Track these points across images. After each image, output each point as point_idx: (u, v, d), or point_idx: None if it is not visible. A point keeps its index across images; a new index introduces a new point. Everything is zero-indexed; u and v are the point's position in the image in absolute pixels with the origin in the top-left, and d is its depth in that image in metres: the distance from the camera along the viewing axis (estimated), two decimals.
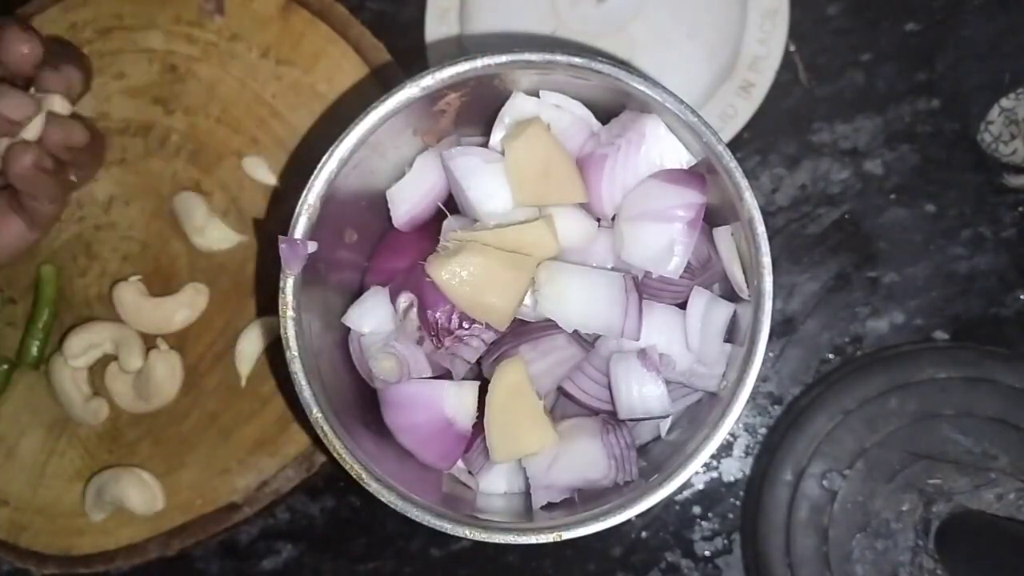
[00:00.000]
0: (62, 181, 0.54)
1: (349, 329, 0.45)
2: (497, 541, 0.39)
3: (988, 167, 0.56)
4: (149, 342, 0.56)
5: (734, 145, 0.56)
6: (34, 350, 0.57)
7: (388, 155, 0.45)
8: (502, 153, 0.43)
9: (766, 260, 0.39)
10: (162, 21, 0.59)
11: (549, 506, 0.43)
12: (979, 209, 0.56)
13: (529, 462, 0.43)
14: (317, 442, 0.54)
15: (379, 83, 0.56)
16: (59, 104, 0.52)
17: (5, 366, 0.57)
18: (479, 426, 0.43)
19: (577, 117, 0.44)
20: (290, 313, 0.40)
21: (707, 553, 0.56)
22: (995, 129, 0.55)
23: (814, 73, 0.58)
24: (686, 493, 0.56)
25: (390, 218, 0.46)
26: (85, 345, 0.56)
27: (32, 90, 0.52)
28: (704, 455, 0.39)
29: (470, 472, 0.45)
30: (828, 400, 0.53)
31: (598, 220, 0.44)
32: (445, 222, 0.44)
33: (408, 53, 0.58)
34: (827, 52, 0.58)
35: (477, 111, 0.44)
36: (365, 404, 0.45)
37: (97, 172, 0.58)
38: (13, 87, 0.50)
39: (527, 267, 0.41)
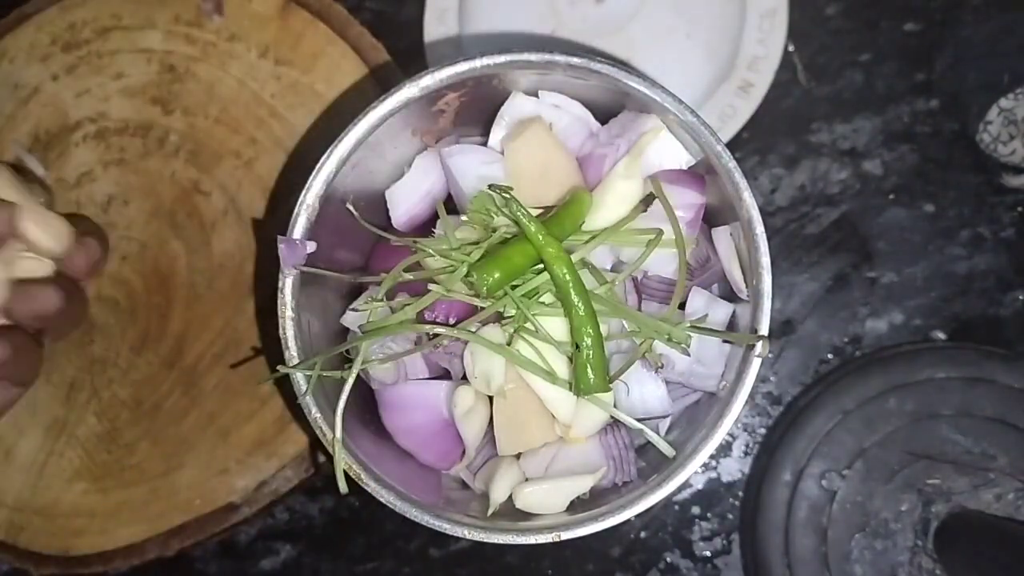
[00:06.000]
0: (30, 358, 0.49)
1: (348, 330, 0.45)
2: (496, 541, 0.39)
3: (987, 167, 0.56)
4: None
5: (733, 145, 0.56)
6: None
7: (387, 155, 0.44)
8: (501, 153, 0.43)
9: (765, 260, 0.39)
10: (161, 21, 0.59)
11: None
12: (978, 209, 0.56)
13: (528, 461, 0.43)
14: (316, 442, 0.54)
15: (378, 83, 0.56)
16: (32, 267, 0.46)
17: None
18: None
19: (576, 117, 0.44)
20: (289, 313, 0.40)
21: (706, 553, 0.56)
22: (994, 129, 0.55)
23: (813, 73, 0.58)
24: (685, 493, 0.56)
25: (389, 218, 0.46)
26: None
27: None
28: (703, 455, 0.39)
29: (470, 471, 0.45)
30: (827, 400, 0.53)
31: None
32: (439, 221, 0.44)
33: (407, 53, 0.58)
34: (826, 52, 0.58)
35: (476, 111, 0.44)
36: (364, 404, 0.45)
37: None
38: None
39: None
